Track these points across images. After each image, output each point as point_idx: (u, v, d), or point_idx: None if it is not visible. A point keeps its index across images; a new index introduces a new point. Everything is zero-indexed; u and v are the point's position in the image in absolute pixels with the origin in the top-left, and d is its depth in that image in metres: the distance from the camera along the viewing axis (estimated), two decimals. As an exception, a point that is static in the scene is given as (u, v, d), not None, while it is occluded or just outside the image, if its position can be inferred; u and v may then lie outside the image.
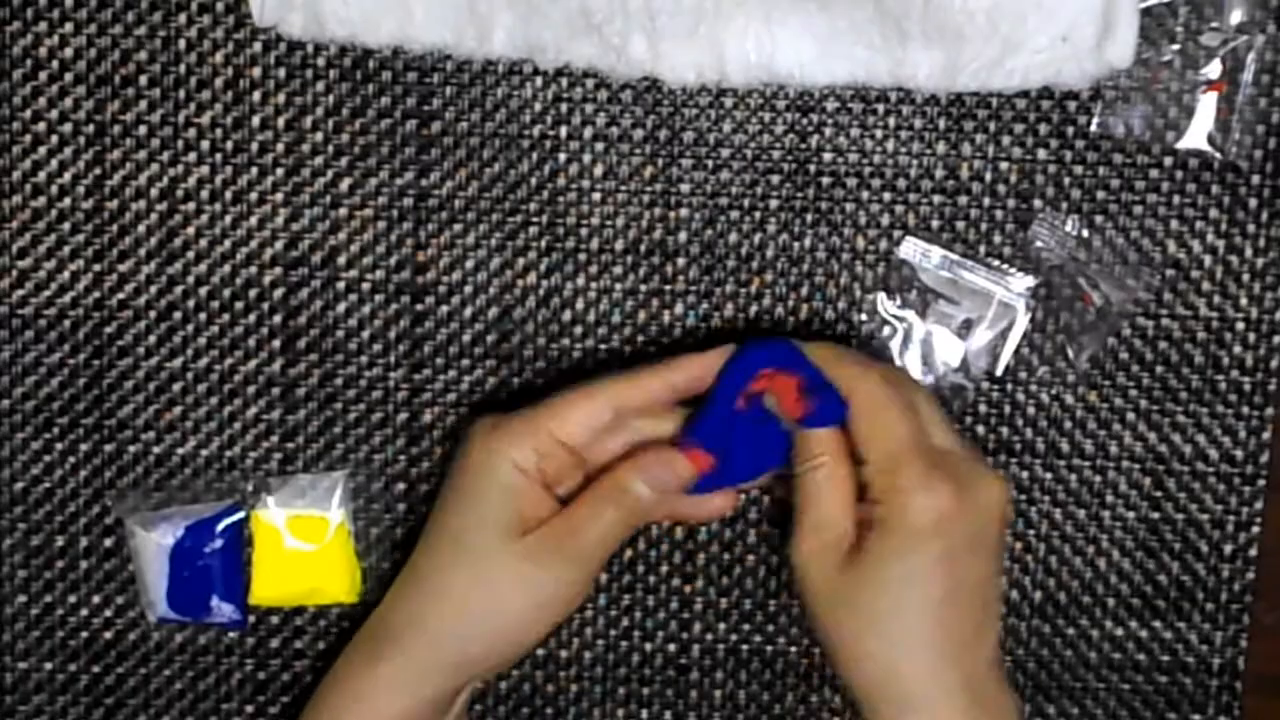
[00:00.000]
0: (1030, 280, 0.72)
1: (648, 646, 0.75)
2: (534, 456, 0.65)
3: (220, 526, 0.73)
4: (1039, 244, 0.72)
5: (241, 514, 0.73)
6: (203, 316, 0.73)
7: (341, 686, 0.68)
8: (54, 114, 0.72)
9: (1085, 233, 0.72)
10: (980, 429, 0.74)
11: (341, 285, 0.73)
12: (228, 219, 0.73)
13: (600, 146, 0.72)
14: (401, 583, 0.69)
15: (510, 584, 0.66)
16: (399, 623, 0.68)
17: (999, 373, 0.73)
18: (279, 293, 0.73)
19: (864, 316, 0.73)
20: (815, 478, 0.64)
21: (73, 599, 0.74)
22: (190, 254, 0.73)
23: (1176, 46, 0.71)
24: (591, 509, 0.65)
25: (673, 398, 0.67)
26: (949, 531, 0.62)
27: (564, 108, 0.72)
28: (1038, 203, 0.72)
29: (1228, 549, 0.74)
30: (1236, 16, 0.71)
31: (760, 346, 0.66)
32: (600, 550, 0.66)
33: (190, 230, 0.73)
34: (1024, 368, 0.73)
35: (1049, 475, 0.74)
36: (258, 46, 0.72)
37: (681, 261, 0.73)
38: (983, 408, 0.74)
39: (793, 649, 0.75)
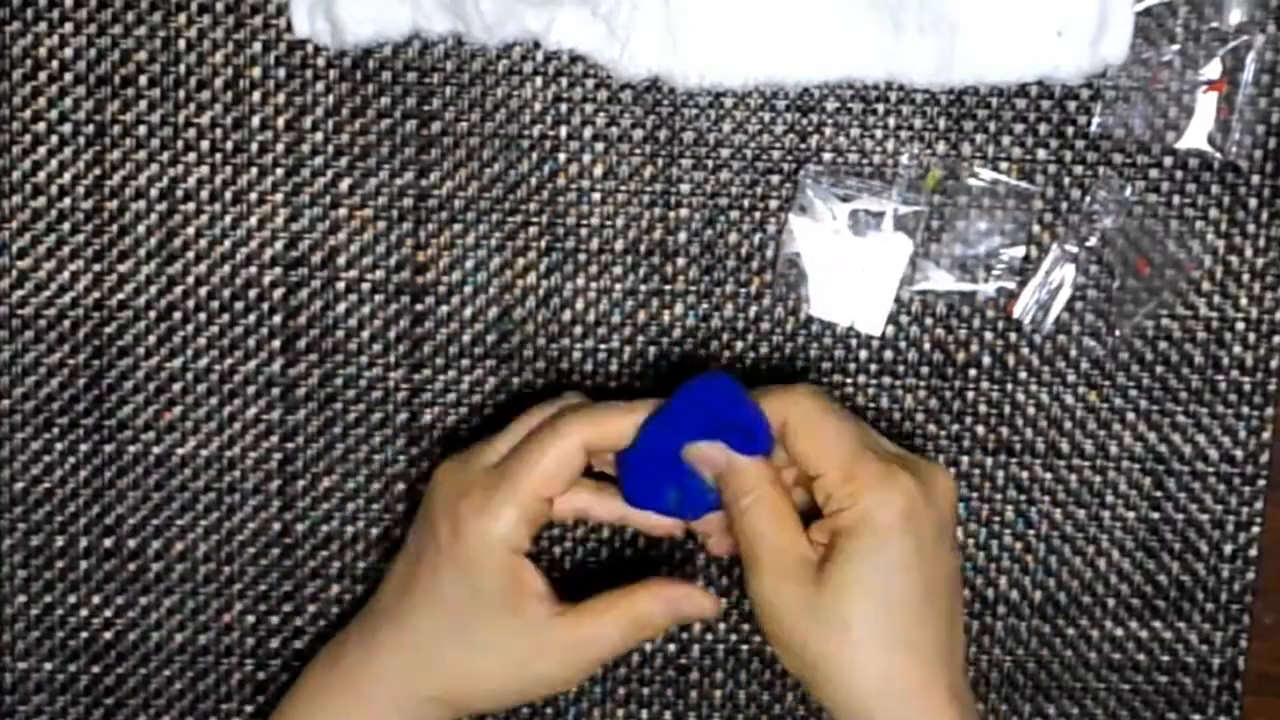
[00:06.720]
0: (1090, 238, 0.71)
1: (648, 646, 0.75)
2: (525, 528, 0.65)
3: None
4: (1098, 206, 0.71)
5: None
6: (203, 316, 0.73)
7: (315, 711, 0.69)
8: (54, 114, 0.72)
9: (1147, 199, 0.71)
10: (980, 429, 0.74)
11: (341, 285, 0.73)
12: (228, 219, 0.73)
13: (600, 146, 0.72)
14: (390, 629, 0.67)
15: (508, 662, 0.65)
16: (384, 673, 0.67)
17: (1048, 328, 0.72)
18: (279, 293, 0.73)
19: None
20: (754, 512, 0.63)
21: (73, 599, 0.74)
22: (190, 254, 0.73)
23: (1176, 46, 0.71)
24: (608, 629, 0.65)
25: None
26: (917, 524, 0.61)
27: (564, 108, 0.72)
28: (1050, 190, 0.72)
29: (1228, 549, 0.74)
30: (1236, 16, 0.71)
31: (695, 387, 0.65)
32: (606, 659, 0.66)
33: (190, 230, 0.73)
34: (1065, 329, 0.73)
35: (1049, 475, 0.74)
36: (258, 46, 0.72)
37: (681, 261, 0.73)
38: (983, 408, 0.74)
39: (793, 649, 0.75)
